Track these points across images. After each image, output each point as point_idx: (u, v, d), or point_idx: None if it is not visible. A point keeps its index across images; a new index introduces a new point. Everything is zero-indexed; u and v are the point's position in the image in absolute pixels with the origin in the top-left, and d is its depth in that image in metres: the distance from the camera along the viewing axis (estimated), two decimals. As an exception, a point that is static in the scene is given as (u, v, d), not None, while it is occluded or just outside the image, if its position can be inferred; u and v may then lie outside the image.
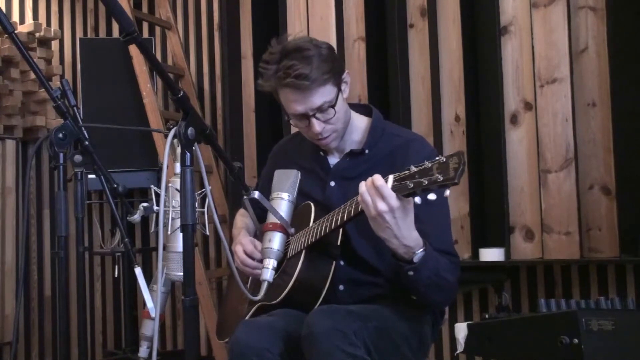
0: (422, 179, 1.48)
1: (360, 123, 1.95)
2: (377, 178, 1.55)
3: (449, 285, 1.72)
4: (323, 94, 1.78)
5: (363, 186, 1.57)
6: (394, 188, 1.53)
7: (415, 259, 1.61)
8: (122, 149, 3.59)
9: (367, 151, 1.90)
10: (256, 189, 1.77)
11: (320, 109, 1.79)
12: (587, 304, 2.07)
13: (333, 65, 1.80)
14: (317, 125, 1.81)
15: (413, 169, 1.51)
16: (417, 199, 1.50)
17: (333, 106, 1.80)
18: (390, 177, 1.55)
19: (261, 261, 1.82)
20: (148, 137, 3.58)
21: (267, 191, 1.87)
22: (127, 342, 3.72)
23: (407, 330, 1.78)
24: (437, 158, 1.49)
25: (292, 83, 1.74)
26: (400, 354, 1.74)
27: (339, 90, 1.83)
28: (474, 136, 2.99)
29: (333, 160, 1.95)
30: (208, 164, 3.58)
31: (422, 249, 1.62)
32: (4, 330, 3.58)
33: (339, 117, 1.83)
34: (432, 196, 1.48)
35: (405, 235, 1.58)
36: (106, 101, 3.61)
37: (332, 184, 1.91)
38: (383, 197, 1.53)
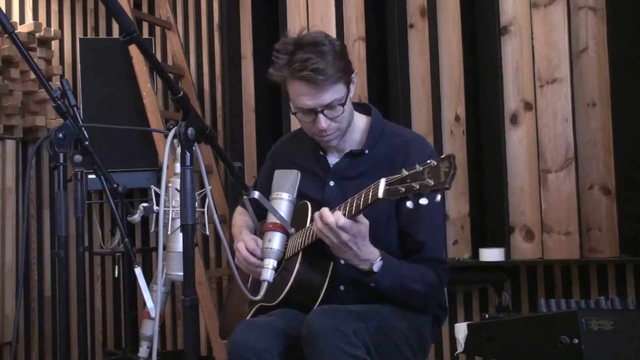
0: (413, 184, 1.48)
1: (360, 122, 1.95)
2: (338, 214, 1.62)
3: (418, 294, 1.79)
4: (335, 92, 1.78)
5: (320, 222, 1.64)
6: (385, 192, 1.53)
7: (375, 268, 1.70)
8: (122, 149, 3.59)
9: (367, 152, 1.90)
10: (255, 188, 1.77)
11: (330, 106, 1.79)
12: (587, 304, 2.07)
13: (346, 64, 1.81)
14: (323, 122, 1.81)
15: (404, 172, 1.52)
16: (409, 204, 1.51)
17: (342, 105, 1.80)
18: (382, 181, 1.55)
19: (262, 260, 1.82)
20: (148, 137, 3.57)
21: (266, 190, 1.87)
22: (127, 342, 3.72)
23: (407, 330, 1.78)
24: (428, 161, 1.49)
25: (308, 76, 1.73)
26: (400, 354, 1.74)
27: (348, 89, 1.83)
28: (474, 136, 2.99)
29: (332, 159, 1.95)
30: (208, 164, 3.57)
31: (379, 258, 1.70)
32: (4, 330, 3.58)
33: (345, 115, 1.83)
34: (423, 201, 1.48)
35: (365, 252, 1.67)
36: (106, 101, 3.61)
37: (332, 183, 1.91)
38: (343, 229, 1.61)
